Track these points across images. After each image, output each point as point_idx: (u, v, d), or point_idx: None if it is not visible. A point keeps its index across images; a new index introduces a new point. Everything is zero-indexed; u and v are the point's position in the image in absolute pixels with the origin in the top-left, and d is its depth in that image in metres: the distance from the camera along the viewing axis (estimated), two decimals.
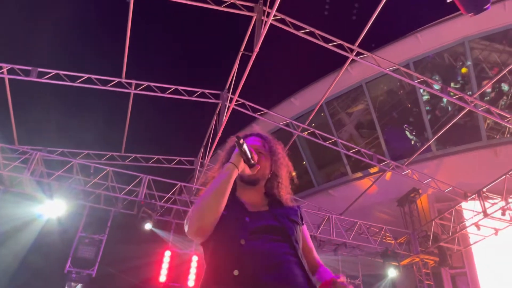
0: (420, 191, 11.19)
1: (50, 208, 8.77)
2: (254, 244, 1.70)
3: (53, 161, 9.70)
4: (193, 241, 10.30)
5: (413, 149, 11.84)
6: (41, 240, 9.14)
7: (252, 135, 2.19)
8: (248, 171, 1.91)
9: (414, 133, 13.02)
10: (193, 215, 1.73)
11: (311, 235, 10.21)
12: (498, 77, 8.56)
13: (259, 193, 2.05)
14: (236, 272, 1.63)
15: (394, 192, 11.64)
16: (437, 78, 11.95)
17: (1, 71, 8.29)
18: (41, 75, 8.58)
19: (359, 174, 12.69)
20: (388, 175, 11.49)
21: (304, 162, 14.06)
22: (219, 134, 10.30)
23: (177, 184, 10.41)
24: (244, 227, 1.77)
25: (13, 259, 8.92)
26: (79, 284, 8.65)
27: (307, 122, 10.61)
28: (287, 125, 10.51)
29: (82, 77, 8.93)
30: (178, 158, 12.21)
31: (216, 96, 10.19)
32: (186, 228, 1.76)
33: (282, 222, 1.82)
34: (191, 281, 9.69)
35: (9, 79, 8.54)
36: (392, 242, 10.90)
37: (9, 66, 8.34)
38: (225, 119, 9.63)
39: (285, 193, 2.09)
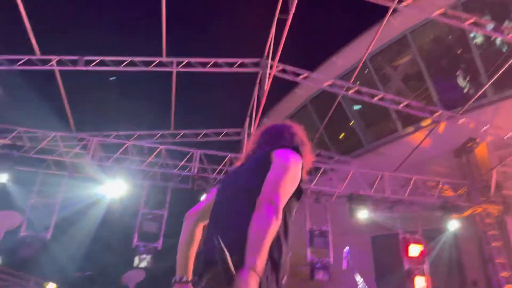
0: (477, 140, 10.64)
1: (112, 189, 9.30)
2: None
3: (109, 145, 10.20)
4: None
5: (467, 96, 11.21)
6: (107, 218, 9.79)
7: None
8: None
9: (467, 80, 12.30)
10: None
11: (364, 195, 10.13)
12: None
13: None
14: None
15: (450, 143, 11.16)
16: (489, 18, 11.10)
17: (51, 63, 8.71)
18: (87, 63, 8.92)
19: (411, 129, 12.26)
20: (441, 126, 11.01)
21: (352, 123, 13.79)
22: (263, 102, 10.29)
23: (227, 155, 10.62)
24: None
25: (85, 236, 9.67)
26: (148, 256, 9.20)
27: (351, 81, 10.33)
28: (330, 86, 10.27)
29: (125, 60, 9.20)
30: (225, 131, 12.42)
31: (256, 65, 10.15)
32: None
33: None
34: None
35: (59, 70, 8.97)
36: (451, 194, 10.57)
37: (58, 57, 8.73)
38: (267, 86, 9.58)
39: None
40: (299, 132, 2.15)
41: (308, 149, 2.06)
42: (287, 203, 1.74)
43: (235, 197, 1.88)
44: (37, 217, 8.77)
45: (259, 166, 1.84)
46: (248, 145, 2.23)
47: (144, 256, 9.31)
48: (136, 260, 9.24)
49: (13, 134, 9.43)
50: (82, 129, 10.51)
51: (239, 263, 1.47)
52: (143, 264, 9.36)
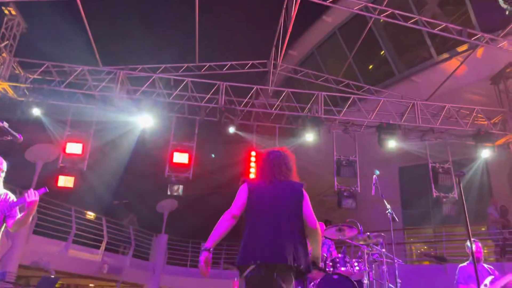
0: None
1: (142, 121, 9.46)
2: None
3: (136, 78, 10.21)
4: (276, 140, 10.69)
5: (509, 19, 10.40)
6: (139, 149, 10.10)
7: None
8: None
9: (508, 2, 11.35)
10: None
11: (394, 125, 9.93)
12: None
13: None
14: None
15: (487, 69, 10.58)
16: None
17: None
18: None
19: (446, 55, 11.66)
20: (479, 51, 10.41)
21: (383, 52, 13.22)
22: (289, 31, 9.90)
23: (253, 87, 10.49)
24: None
25: (119, 165, 10.06)
26: (180, 186, 9.53)
27: (384, 4, 9.70)
28: (361, 9, 9.70)
29: None
30: (251, 62, 12.16)
31: None
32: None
33: None
34: None
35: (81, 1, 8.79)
36: (485, 122, 10.23)
37: None
38: (293, 12, 9.15)
39: None
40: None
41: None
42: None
43: (283, 214, 2.93)
44: (73, 149, 9.10)
45: (298, 198, 3.02)
46: (271, 166, 3.20)
47: (176, 186, 9.65)
48: (169, 189, 9.60)
49: (42, 68, 9.54)
50: (108, 62, 10.50)
51: (303, 267, 2.80)
52: (176, 193, 9.72)
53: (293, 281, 2.77)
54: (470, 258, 5.02)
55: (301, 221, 2.95)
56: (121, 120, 9.42)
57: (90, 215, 12.96)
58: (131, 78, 10.14)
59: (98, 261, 11.63)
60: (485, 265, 5.25)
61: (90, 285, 14.18)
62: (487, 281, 5.03)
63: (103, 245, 11.85)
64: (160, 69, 11.08)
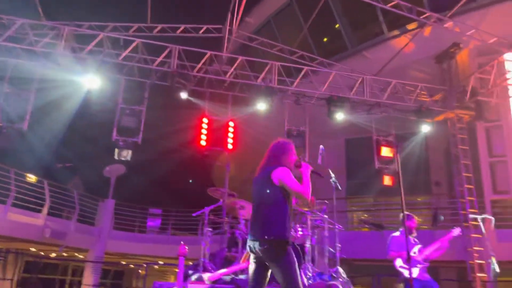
0: (461, 45, 10.56)
1: (88, 82, 9.03)
2: None
3: (82, 35, 9.64)
4: (228, 107, 10.66)
5: (457, 0, 10.86)
6: (85, 111, 9.66)
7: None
8: None
9: None
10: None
11: (343, 97, 10.21)
12: None
13: None
14: None
15: (433, 48, 11.06)
16: None
17: None
18: None
19: (396, 32, 12.01)
20: (427, 30, 10.81)
21: (337, 25, 13.37)
22: None
23: (207, 52, 10.27)
24: None
25: (61, 125, 9.57)
26: (128, 150, 9.30)
27: None
28: None
29: None
30: (206, 27, 11.85)
31: None
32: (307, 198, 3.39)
33: None
34: (229, 145, 10.26)
35: None
36: (428, 99, 10.77)
37: None
38: None
39: None
40: (288, 149, 3.66)
41: (292, 159, 3.60)
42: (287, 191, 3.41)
43: (261, 201, 3.42)
44: (12, 107, 8.56)
45: (267, 179, 3.40)
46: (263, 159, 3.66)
47: (125, 151, 9.41)
48: (116, 153, 9.35)
49: None
50: (52, 17, 9.79)
51: (274, 237, 3.21)
52: (124, 159, 9.49)
53: (275, 250, 3.19)
54: (402, 228, 5.41)
55: (272, 197, 3.36)
56: (65, 79, 8.92)
57: (31, 177, 12.41)
58: (76, 35, 9.56)
59: (39, 225, 11.26)
60: (411, 237, 5.69)
61: (32, 249, 13.74)
62: (416, 249, 5.52)
63: (45, 209, 11.46)
64: (109, 28, 10.53)
